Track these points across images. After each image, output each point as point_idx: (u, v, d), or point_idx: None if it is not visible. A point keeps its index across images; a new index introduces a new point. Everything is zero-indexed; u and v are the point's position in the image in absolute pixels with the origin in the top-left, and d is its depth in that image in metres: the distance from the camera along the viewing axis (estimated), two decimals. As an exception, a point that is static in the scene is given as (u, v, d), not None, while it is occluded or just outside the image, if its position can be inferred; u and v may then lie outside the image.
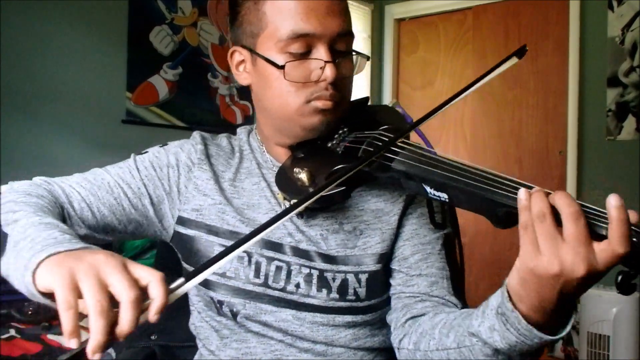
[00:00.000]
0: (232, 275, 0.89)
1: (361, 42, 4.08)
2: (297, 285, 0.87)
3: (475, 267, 3.64)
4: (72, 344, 0.52)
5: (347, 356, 0.89)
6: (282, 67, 0.85)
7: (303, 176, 0.83)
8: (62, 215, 0.84)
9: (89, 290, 0.54)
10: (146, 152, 0.97)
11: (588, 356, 2.87)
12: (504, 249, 3.57)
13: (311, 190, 0.80)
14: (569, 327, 0.66)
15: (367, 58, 0.92)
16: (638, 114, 3.22)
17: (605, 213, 0.58)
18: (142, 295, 0.56)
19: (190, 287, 0.58)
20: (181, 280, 0.58)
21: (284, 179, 0.88)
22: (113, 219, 0.90)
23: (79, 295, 0.54)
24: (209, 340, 0.94)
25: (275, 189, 0.92)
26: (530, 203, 0.61)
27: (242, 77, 0.94)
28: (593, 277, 0.59)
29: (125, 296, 0.54)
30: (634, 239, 0.57)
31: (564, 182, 3.48)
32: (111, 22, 2.70)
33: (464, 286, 0.98)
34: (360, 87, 4.06)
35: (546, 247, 0.59)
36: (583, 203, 0.60)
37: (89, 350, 0.52)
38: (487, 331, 0.70)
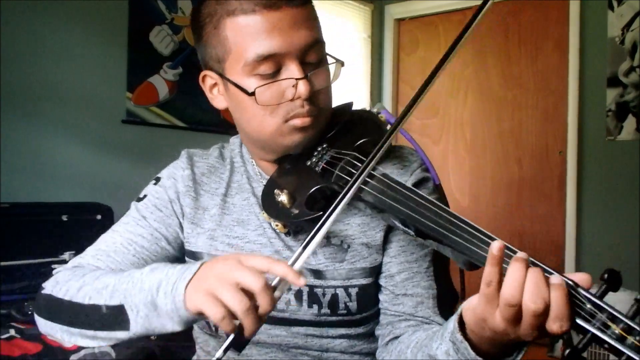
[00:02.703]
0: None
1: (361, 43, 4.08)
2: (288, 303, 0.87)
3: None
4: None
5: (343, 358, 0.89)
6: (252, 94, 0.82)
7: (283, 198, 0.83)
8: None
9: (227, 296, 0.63)
10: (145, 196, 0.96)
11: (588, 356, 2.87)
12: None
13: (293, 211, 0.82)
14: (520, 356, 0.66)
15: (342, 63, 0.89)
16: (638, 114, 3.22)
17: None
18: (266, 279, 0.65)
19: (306, 256, 0.69)
20: (298, 250, 0.69)
21: (268, 200, 0.87)
22: None
23: (223, 304, 0.64)
24: (207, 343, 0.95)
25: None
26: (500, 263, 0.58)
27: (217, 100, 0.92)
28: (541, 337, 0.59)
29: (256, 287, 0.63)
30: (577, 309, 0.56)
31: (564, 182, 3.48)
32: (111, 22, 2.70)
33: (452, 302, 0.97)
34: (360, 88, 4.06)
35: (507, 324, 0.59)
36: (541, 266, 0.58)
37: (247, 335, 0.64)
38: (443, 354, 0.70)
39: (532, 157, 3.64)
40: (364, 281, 0.88)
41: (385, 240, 0.90)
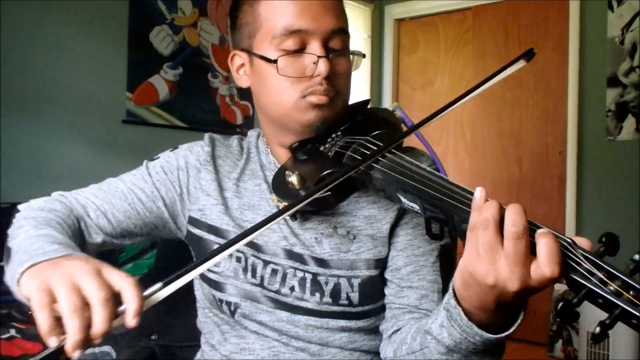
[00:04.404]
0: (231, 275, 0.91)
1: (361, 42, 4.09)
2: (292, 289, 0.88)
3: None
4: (51, 343, 0.56)
5: (342, 356, 0.89)
6: (274, 62, 0.86)
7: (293, 179, 0.84)
8: (76, 225, 0.89)
9: (61, 292, 0.57)
10: (158, 157, 1.01)
11: (588, 356, 2.88)
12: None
13: (302, 193, 0.82)
14: (513, 328, 0.66)
15: (363, 56, 0.94)
16: (638, 114, 3.23)
17: (565, 248, 0.58)
18: (116, 299, 0.58)
19: (166, 293, 0.60)
20: (158, 285, 0.59)
21: (278, 182, 0.89)
22: (129, 224, 0.94)
23: (53, 300, 0.57)
24: (212, 335, 0.96)
25: None
26: (482, 206, 0.61)
27: (242, 80, 0.96)
28: (529, 292, 0.59)
29: (95, 297, 0.57)
30: (574, 265, 0.56)
31: (564, 182, 3.48)
32: (111, 22, 2.70)
33: None
34: (360, 88, 4.06)
35: (485, 256, 0.60)
36: (533, 222, 0.59)
37: (68, 347, 0.55)
38: (437, 328, 0.71)
39: (532, 157, 3.64)
40: (367, 272, 0.89)
41: (392, 234, 0.91)
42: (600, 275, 0.54)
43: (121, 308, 0.58)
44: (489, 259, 0.59)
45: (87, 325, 0.56)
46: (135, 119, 2.79)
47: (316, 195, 0.73)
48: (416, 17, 4.17)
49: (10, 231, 0.82)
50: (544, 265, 0.56)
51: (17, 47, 2.34)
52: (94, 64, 2.62)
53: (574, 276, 0.56)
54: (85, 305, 0.57)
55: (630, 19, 3.24)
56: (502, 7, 3.75)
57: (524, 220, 0.58)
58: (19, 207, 0.90)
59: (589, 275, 0.55)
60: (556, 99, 3.55)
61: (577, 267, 0.56)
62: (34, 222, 0.80)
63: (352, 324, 0.89)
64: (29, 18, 2.39)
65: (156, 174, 0.97)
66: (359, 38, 4.06)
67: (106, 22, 2.67)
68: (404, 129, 0.95)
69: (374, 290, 0.90)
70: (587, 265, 0.55)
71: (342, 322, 0.88)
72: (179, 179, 0.97)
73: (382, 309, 0.91)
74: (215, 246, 0.92)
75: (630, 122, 3.25)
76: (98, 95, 2.64)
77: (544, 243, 0.56)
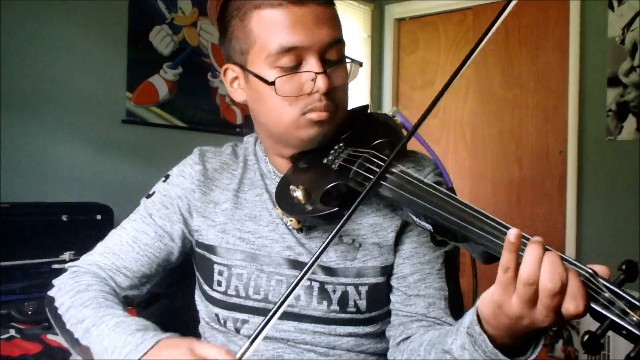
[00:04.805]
0: (233, 293, 0.91)
1: (361, 42, 4.08)
2: (298, 298, 0.88)
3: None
4: None
5: (349, 357, 0.89)
6: (272, 83, 0.84)
7: (299, 194, 0.84)
8: (111, 285, 0.91)
9: None
10: (153, 193, 0.99)
11: (588, 356, 2.87)
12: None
13: (307, 207, 0.82)
14: (537, 350, 0.66)
15: (360, 64, 0.91)
16: (638, 114, 3.22)
17: (587, 280, 0.58)
18: None
19: (254, 348, 0.65)
20: (246, 345, 0.65)
21: (283, 196, 0.88)
22: (144, 270, 0.94)
23: None
24: (214, 338, 0.96)
25: None
26: (517, 249, 0.59)
27: (237, 93, 0.94)
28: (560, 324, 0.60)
29: None
30: (595, 295, 0.56)
31: (564, 182, 3.48)
32: (111, 22, 2.70)
33: (462, 304, 0.98)
34: (360, 88, 4.06)
35: (523, 305, 0.60)
36: (569, 261, 0.59)
37: None
38: (458, 349, 0.71)
39: (532, 157, 3.64)
40: (374, 280, 0.89)
41: (398, 242, 0.91)
42: (622, 305, 0.54)
43: None
44: (526, 308, 0.60)
45: None
46: (135, 119, 2.79)
47: (324, 210, 0.77)
48: (416, 17, 4.16)
49: (66, 323, 0.82)
50: (569, 302, 0.57)
51: (17, 47, 2.34)
52: (94, 64, 2.62)
53: (594, 306, 0.56)
54: None
55: (630, 18, 3.24)
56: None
57: (563, 276, 0.57)
58: (51, 294, 0.89)
59: (609, 305, 0.55)
60: (556, 99, 3.54)
61: (597, 297, 0.56)
62: (91, 311, 0.81)
63: (360, 329, 0.89)
64: (28, 18, 2.38)
65: (157, 212, 0.96)
66: (359, 38, 4.06)
67: (106, 22, 2.67)
68: (405, 133, 0.95)
69: (380, 296, 0.90)
70: (608, 295, 0.56)
71: (350, 329, 0.88)
72: (179, 209, 0.96)
73: (389, 313, 0.92)
74: (215, 265, 0.93)
75: (630, 122, 3.25)
76: (98, 95, 2.64)
77: (572, 281, 0.56)
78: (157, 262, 0.95)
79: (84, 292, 0.85)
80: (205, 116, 3.10)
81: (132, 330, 0.74)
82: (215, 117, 3.16)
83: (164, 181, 0.99)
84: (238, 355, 0.64)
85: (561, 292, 0.57)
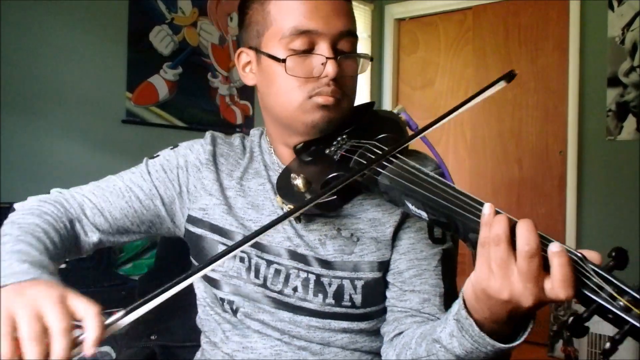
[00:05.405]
0: (234, 275, 0.91)
1: (361, 42, 4.08)
2: (295, 289, 0.89)
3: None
4: None
5: (344, 355, 0.89)
6: (283, 61, 0.86)
7: (299, 182, 0.84)
8: (68, 227, 0.89)
9: (22, 319, 0.59)
10: (158, 155, 1.01)
11: (588, 356, 2.87)
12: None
13: (307, 196, 0.82)
14: (524, 337, 0.67)
15: (371, 59, 0.94)
16: (638, 114, 3.23)
17: (576, 264, 0.58)
18: (75, 327, 0.60)
19: (129, 320, 0.60)
20: (121, 313, 0.60)
21: (283, 184, 0.89)
22: (126, 221, 0.94)
23: (15, 326, 0.59)
24: (214, 333, 0.96)
25: None
26: (491, 221, 0.61)
27: (249, 77, 0.96)
28: (541, 306, 0.60)
29: (55, 326, 0.58)
30: (584, 280, 0.56)
31: (564, 182, 3.48)
32: (111, 22, 2.70)
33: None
34: (360, 88, 4.05)
35: (498, 272, 0.60)
36: (543, 235, 0.59)
37: None
38: (447, 337, 0.71)
39: (532, 157, 3.64)
40: (370, 275, 0.89)
41: (395, 237, 0.91)
42: (610, 290, 0.55)
43: (81, 337, 0.59)
44: (502, 275, 0.60)
45: (46, 353, 0.57)
46: (135, 119, 2.79)
47: (321, 200, 0.74)
48: (416, 17, 4.16)
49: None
50: (558, 287, 0.56)
51: (17, 47, 2.34)
52: (94, 64, 2.62)
53: (584, 290, 0.56)
54: (45, 332, 0.58)
55: (630, 18, 3.24)
56: (502, 7, 3.74)
57: (536, 237, 0.58)
58: (15, 205, 0.90)
59: (598, 290, 0.55)
60: (556, 99, 3.54)
61: (586, 281, 0.56)
62: (17, 232, 0.80)
63: (354, 325, 0.89)
64: (28, 18, 2.38)
65: (155, 172, 0.97)
66: (359, 38, 4.06)
67: (106, 22, 2.67)
68: (409, 131, 0.96)
69: (376, 292, 0.90)
70: (597, 280, 0.56)
71: (344, 324, 0.88)
72: (178, 178, 0.97)
73: (384, 311, 0.91)
74: (219, 245, 0.93)
75: (630, 122, 3.25)
76: (98, 95, 2.64)
77: (558, 265, 0.56)
78: (140, 219, 0.95)
79: (34, 216, 0.85)
80: (205, 116, 3.10)
81: (25, 260, 0.73)
82: (215, 117, 3.16)
83: (172, 149, 1.01)
84: (109, 320, 0.60)
85: (537, 254, 0.57)
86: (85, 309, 0.61)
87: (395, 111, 1.00)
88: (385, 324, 0.91)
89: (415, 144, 0.88)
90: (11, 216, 0.86)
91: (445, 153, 3.94)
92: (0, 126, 2.27)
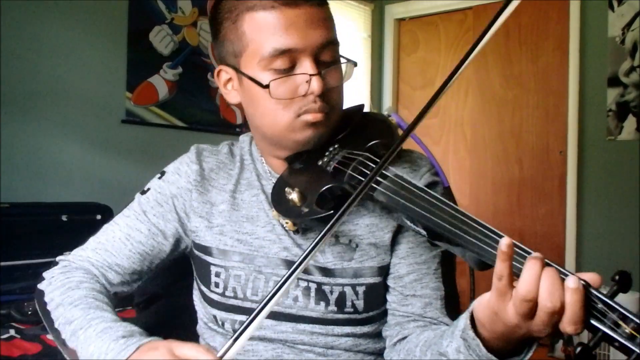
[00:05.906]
0: (231, 295, 0.91)
1: (361, 42, 4.08)
2: (295, 299, 0.88)
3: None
4: None
5: (347, 356, 0.89)
6: (266, 87, 0.83)
7: (294, 197, 0.84)
8: (101, 283, 0.91)
9: None
10: (148, 189, 0.98)
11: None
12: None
13: (303, 209, 0.82)
14: (531, 352, 0.66)
15: (355, 64, 0.90)
16: (638, 113, 3.22)
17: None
18: None
19: (237, 348, 0.64)
20: (229, 342, 0.64)
21: (278, 198, 0.88)
22: (135, 267, 0.94)
23: None
24: (213, 339, 0.96)
25: None
26: (509, 258, 0.59)
27: (231, 95, 0.93)
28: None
29: None
30: (592, 310, 0.56)
31: (564, 182, 3.48)
32: (111, 22, 2.70)
33: (458, 304, 0.98)
34: (360, 88, 4.06)
35: (517, 312, 0.59)
36: (560, 269, 0.58)
37: None
38: (453, 352, 0.70)
39: (532, 157, 3.64)
40: (371, 280, 0.89)
41: (394, 242, 0.90)
42: (614, 317, 0.55)
43: None
44: (523, 320, 0.59)
45: None
46: (134, 119, 2.79)
47: (319, 216, 0.76)
48: (416, 17, 4.16)
49: (55, 321, 0.82)
50: (567, 323, 0.56)
51: (17, 47, 2.34)
52: (94, 64, 2.62)
53: (590, 319, 0.56)
54: None
55: (630, 18, 3.24)
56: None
57: (561, 294, 0.56)
58: (41, 287, 0.89)
59: (602, 317, 0.55)
60: (556, 99, 3.54)
61: (591, 310, 0.56)
62: (80, 312, 0.81)
63: (357, 329, 0.89)
64: (28, 18, 2.38)
65: (151, 209, 0.95)
66: (359, 38, 4.06)
67: (106, 22, 2.67)
68: (400, 133, 0.95)
69: (378, 296, 0.90)
70: (600, 306, 0.56)
71: (348, 329, 0.88)
72: (175, 207, 0.95)
73: (386, 313, 0.91)
74: (211, 267, 0.93)
75: (631, 122, 3.25)
76: (98, 95, 2.64)
77: (571, 302, 0.56)
78: (149, 260, 0.94)
79: (74, 289, 0.85)
80: (205, 116, 3.10)
81: (117, 337, 0.75)
82: (215, 117, 3.16)
83: (160, 178, 0.98)
84: (219, 354, 0.63)
85: (560, 311, 0.56)
86: (196, 352, 0.67)
87: (385, 113, 0.99)
88: (387, 327, 0.91)
89: (409, 144, 0.87)
90: (51, 301, 0.85)
91: (445, 153, 3.94)
92: (0, 126, 2.26)
